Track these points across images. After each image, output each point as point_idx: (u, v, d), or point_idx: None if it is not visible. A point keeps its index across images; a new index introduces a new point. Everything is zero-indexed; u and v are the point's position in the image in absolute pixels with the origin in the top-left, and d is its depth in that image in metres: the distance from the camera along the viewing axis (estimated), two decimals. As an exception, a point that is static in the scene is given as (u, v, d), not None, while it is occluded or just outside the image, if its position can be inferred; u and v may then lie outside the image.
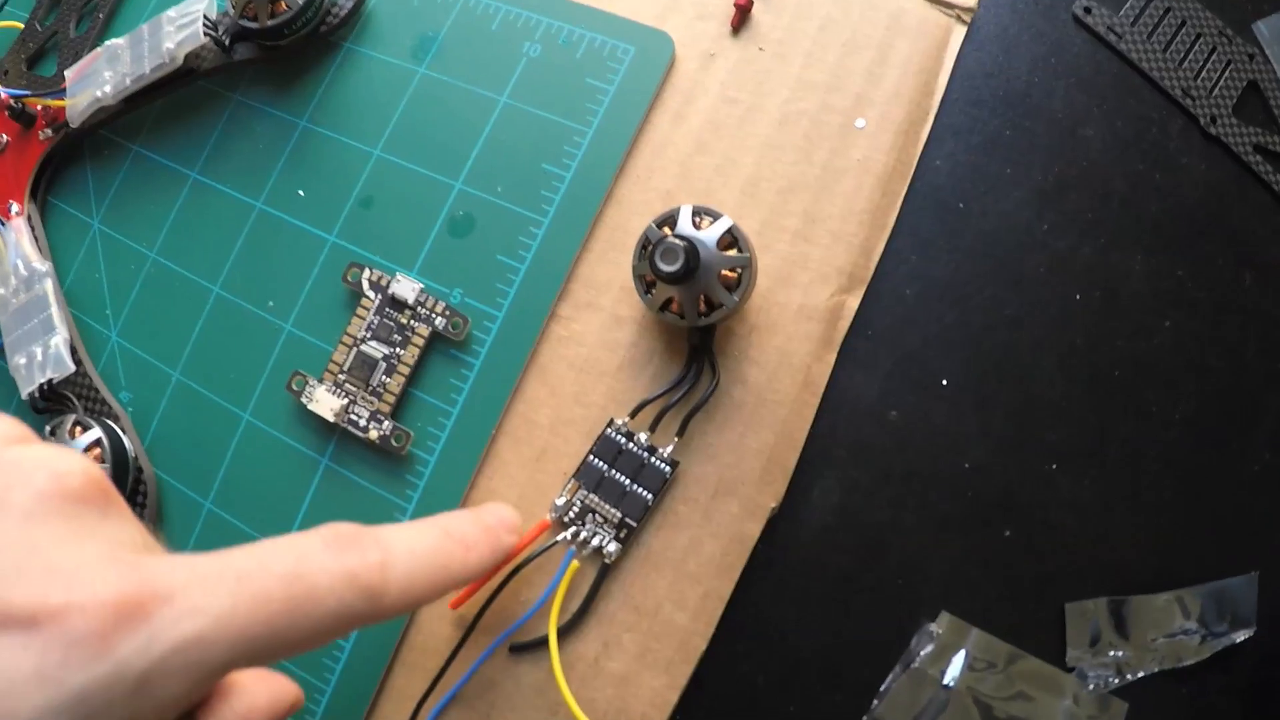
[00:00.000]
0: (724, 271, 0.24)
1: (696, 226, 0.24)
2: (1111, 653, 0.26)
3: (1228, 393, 0.27)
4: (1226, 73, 0.29)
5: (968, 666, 0.25)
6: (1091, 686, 0.25)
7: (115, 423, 0.28)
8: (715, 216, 0.24)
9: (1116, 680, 0.26)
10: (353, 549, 0.17)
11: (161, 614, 0.14)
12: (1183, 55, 0.29)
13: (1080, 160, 0.28)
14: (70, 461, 0.16)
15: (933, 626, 0.25)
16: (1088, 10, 0.28)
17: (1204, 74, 0.28)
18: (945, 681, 0.25)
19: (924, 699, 0.25)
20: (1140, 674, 0.26)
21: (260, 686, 0.17)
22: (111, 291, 0.30)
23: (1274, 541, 0.26)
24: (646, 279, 0.24)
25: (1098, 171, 0.27)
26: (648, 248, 0.24)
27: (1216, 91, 0.28)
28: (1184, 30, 0.29)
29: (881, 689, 0.25)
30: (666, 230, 0.24)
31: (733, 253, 0.24)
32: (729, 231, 0.24)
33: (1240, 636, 0.25)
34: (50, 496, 0.15)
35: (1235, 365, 0.27)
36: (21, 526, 0.15)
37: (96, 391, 0.29)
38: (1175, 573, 0.26)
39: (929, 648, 0.25)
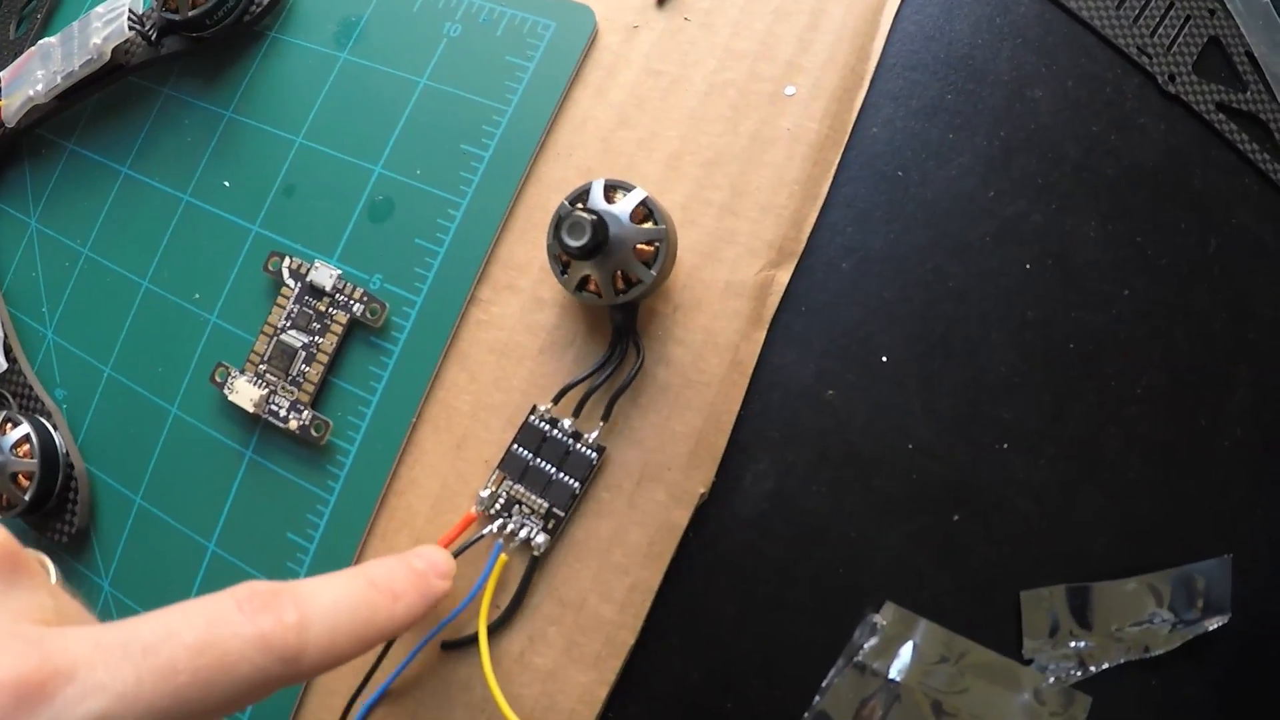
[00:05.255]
0: (639, 245, 0.23)
1: (609, 200, 0.23)
2: (1072, 643, 0.24)
3: (1194, 364, 0.25)
4: (1186, 28, 0.27)
5: (916, 659, 0.24)
6: (1051, 680, 0.24)
7: (48, 420, 0.28)
8: (628, 189, 0.23)
9: (1078, 673, 0.24)
10: (267, 610, 0.16)
11: (64, 694, 0.13)
12: (1138, 11, 0.27)
13: (1028, 123, 0.26)
14: None
15: (876, 618, 0.24)
16: (1035, -33, 0.27)
17: (1161, 30, 0.27)
18: (891, 676, 0.24)
19: (868, 694, 0.24)
20: (1105, 665, 0.24)
21: None
22: (48, 289, 0.30)
23: (1248, 521, 0.25)
24: (561, 258, 0.23)
25: (1048, 135, 0.26)
26: (560, 224, 0.23)
27: (1175, 48, 0.27)
28: (1139, -16, 0.27)
29: (823, 684, 0.24)
30: (578, 206, 0.23)
31: (648, 225, 0.23)
32: (643, 203, 0.23)
33: (1213, 624, 0.24)
34: None
35: (1202, 335, 0.25)
36: None
37: (31, 389, 0.29)
38: (1141, 557, 0.24)
39: (873, 640, 0.24)
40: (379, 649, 0.24)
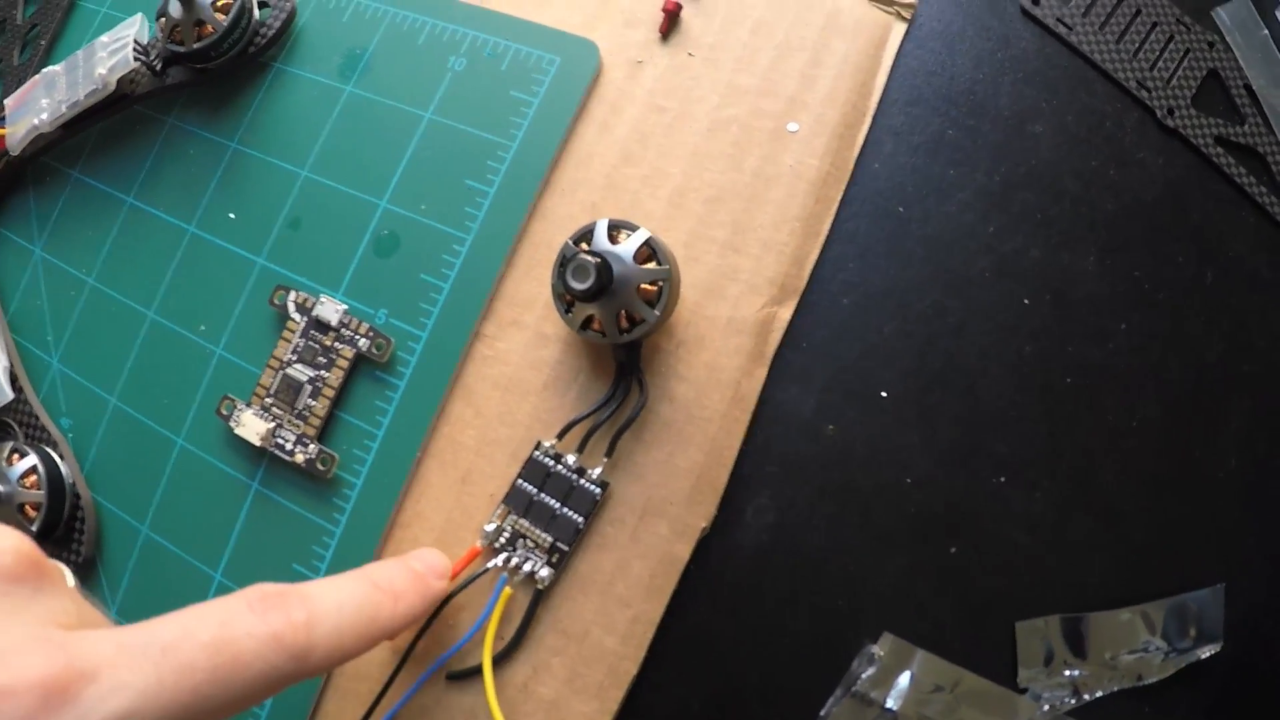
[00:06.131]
0: (643, 285, 0.23)
1: (613, 240, 0.23)
2: (1067, 672, 0.24)
3: (1190, 396, 0.25)
4: (1185, 62, 0.27)
5: (913, 689, 0.24)
6: (1046, 708, 0.24)
7: (54, 449, 0.28)
8: (632, 229, 0.23)
9: (1073, 701, 0.24)
10: (276, 610, 0.17)
11: (88, 693, 0.14)
12: (1138, 45, 0.27)
13: (1029, 158, 0.26)
14: (2, 540, 0.16)
15: (874, 648, 0.24)
16: (1036, 2, 0.27)
17: (1160, 64, 0.27)
18: (888, 705, 0.24)
19: (867, 723, 0.24)
20: (1098, 694, 0.24)
21: None
22: (53, 318, 0.30)
23: (1241, 550, 0.25)
24: (565, 298, 0.24)
25: (1048, 169, 0.26)
26: (564, 265, 0.23)
27: (1174, 82, 0.27)
28: (1139, 19, 0.27)
29: (821, 714, 0.24)
30: (583, 246, 0.23)
31: (651, 265, 0.23)
32: (646, 243, 0.23)
33: (1206, 652, 0.24)
34: None
35: (1197, 367, 0.26)
36: None
37: (36, 418, 0.29)
38: (1135, 586, 0.25)
39: (871, 670, 0.24)
40: (385, 678, 0.25)
